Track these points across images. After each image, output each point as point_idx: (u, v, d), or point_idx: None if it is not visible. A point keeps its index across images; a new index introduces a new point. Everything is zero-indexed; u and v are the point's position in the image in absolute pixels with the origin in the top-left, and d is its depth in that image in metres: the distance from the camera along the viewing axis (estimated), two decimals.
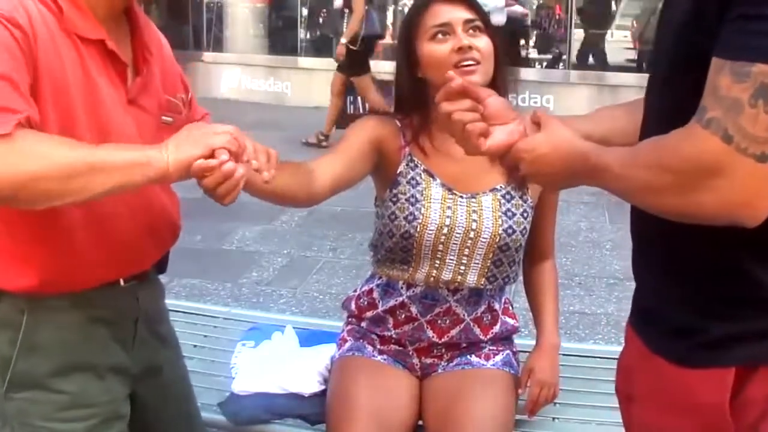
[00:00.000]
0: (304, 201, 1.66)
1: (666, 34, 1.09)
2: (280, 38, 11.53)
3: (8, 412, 1.34)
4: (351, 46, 7.05)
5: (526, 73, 9.12)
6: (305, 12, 11.07)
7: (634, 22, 10.58)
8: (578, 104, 9.41)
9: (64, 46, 1.27)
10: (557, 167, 1.17)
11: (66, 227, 1.32)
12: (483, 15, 1.74)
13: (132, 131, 1.37)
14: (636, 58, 10.11)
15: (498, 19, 8.04)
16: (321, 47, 10.88)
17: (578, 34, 10.16)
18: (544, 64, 10.42)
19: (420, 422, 1.79)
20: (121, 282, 1.45)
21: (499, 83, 1.73)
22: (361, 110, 7.86)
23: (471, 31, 1.70)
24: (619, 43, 10.96)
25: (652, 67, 1.19)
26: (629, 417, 1.23)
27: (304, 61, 10.63)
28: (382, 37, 8.33)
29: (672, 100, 1.08)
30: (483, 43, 1.70)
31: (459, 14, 1.71)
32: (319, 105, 9.77)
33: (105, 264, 1.40)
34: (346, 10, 7.26)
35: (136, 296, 1.49)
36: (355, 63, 7.20)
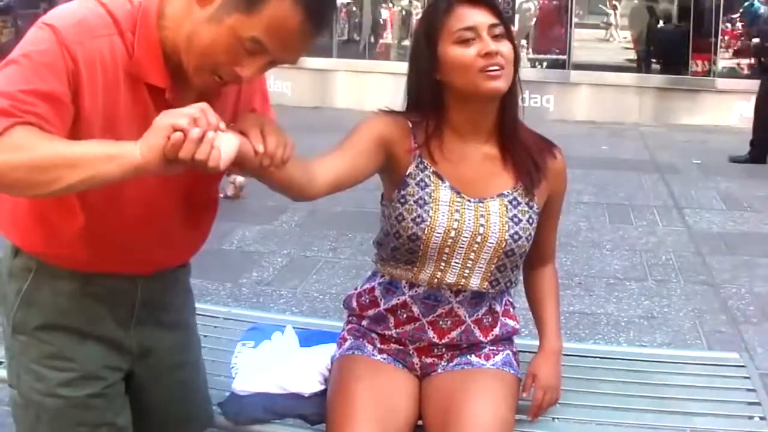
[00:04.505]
0: (303, 195, 1.64)
1: None
2: None
3: (14, 350, 1.54)
4: None
5: (526, 73, 9.11)
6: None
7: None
8: (578, 104, 9.43)
9: (126, 85, 1.35)
10: None
11: (81, 223, 1.41)
12: (504, 19, 1.73)
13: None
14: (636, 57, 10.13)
15: None
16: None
17: (578, 34, 10.15)
18: (545, 64, 10.43)
19: (420, 422, 1.79)
20: None
21: (516, 88, 1.75)
22: None
23: (495, 36, 1.69)
24: (619, 42, 10.96)
25: None
26: None
27: (306, 62, 10.63)
28: None
29: None
30: (507, 48, 1.70)
31: (484, 18, 1.69)
32: (317, 105, 9.78)
33: (102, 264, 1.49)
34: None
35: (135, 284, 1.56)
36: None
